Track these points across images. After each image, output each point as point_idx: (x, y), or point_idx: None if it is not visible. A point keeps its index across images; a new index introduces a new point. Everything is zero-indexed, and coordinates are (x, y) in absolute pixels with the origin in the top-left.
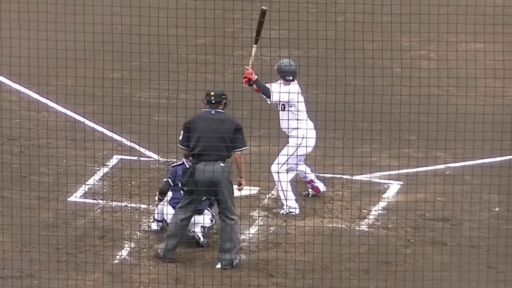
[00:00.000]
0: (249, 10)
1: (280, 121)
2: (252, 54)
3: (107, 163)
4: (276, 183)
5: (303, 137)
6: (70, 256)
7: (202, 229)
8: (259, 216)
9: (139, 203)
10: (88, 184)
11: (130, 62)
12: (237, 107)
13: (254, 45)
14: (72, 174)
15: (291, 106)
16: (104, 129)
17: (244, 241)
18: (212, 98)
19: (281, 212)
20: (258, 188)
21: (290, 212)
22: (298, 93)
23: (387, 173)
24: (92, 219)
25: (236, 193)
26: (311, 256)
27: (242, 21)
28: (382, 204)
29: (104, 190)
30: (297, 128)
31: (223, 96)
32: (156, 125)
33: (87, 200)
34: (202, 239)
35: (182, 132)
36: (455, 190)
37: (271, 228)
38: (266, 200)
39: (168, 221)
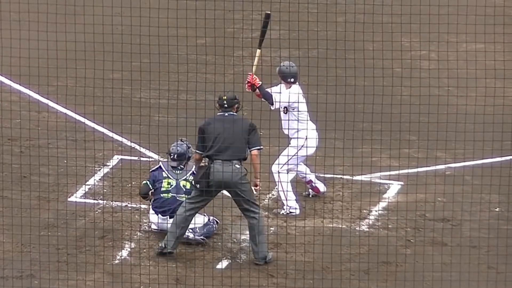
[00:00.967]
0: (249, 11)
1: (282, 123)
2: (255, 59)
3: (108, 163)
4: (277, 183)
5: (306, 138)
6: (71, 256)
7: (193, 230)
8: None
9: (140, 204)
10: (89, 185)
11: (131, 63)
12: None
13: (258, 49)
14: (72, 174)
15: (293, 109)
16: (105, 129)
17: (244, 241)
18: (225, 102)
19: (281, 213)
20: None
21: (290, 212)
22: (299, 95)
23: (388, 173)
24: (92, 220)
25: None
26: (312, 257)
27: (242, 21)
28: (382, 204)
29: (105, 190)
30: (299, 130)
31: (235, 100)
32: (156, 125)
33: (87, 200)
34: (191, 235)
35: (197, 137)
36: (455, 190)
37: (271, 228)
38: (267, 200)
39: (159, 228)
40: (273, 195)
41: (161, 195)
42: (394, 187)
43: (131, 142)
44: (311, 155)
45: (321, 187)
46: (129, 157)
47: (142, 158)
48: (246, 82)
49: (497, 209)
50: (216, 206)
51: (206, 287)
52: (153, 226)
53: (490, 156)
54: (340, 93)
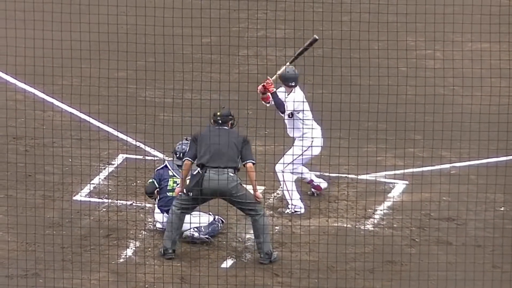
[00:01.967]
0: (254, 10)
1: (287, 126)
2: (281, 69)
3: (113, 162)
4: (281, 182)
5: (312, 138)
6: (75, 255)
7: (198, 229)
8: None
9: (144, 202)
10: (93, 183)
11: (136, 62)
12: (243, 106)
13: (287, 63)
14: (77, 173)
15: (298, 113)
16: (110, 128)
17: (249, 240)
18: (219, 118)
19: (286, 212)
20: (263, 187)
21: (295, 211)
22: (304, 99)
23: (393, 172)
24: (97, 218)
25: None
26: (316, 256)
27: (247, 20)
28: (387, 203)
29: (109, 189)
30: (304, 133)
31: (230, 117)
32: (161, 124)
33: (92, 199)
34: (196, 234)
35: (188, 146)
36: (460, 189)
37: (276, 227)
38: (271, 199)
39: (163, 227)
40: (277, 194)
41: (167, 193)
42: (399, 186)
43: (136, 141)
44: (316, 155)
45: (322, 184)
46: (134, 156)
47: (147, 157)
48: (262, 84)
49: (502, 209)
50: (221, 206)
51: (211, 286)
52: (158, 225)
53: (495, 155)
54: (345, 92)
